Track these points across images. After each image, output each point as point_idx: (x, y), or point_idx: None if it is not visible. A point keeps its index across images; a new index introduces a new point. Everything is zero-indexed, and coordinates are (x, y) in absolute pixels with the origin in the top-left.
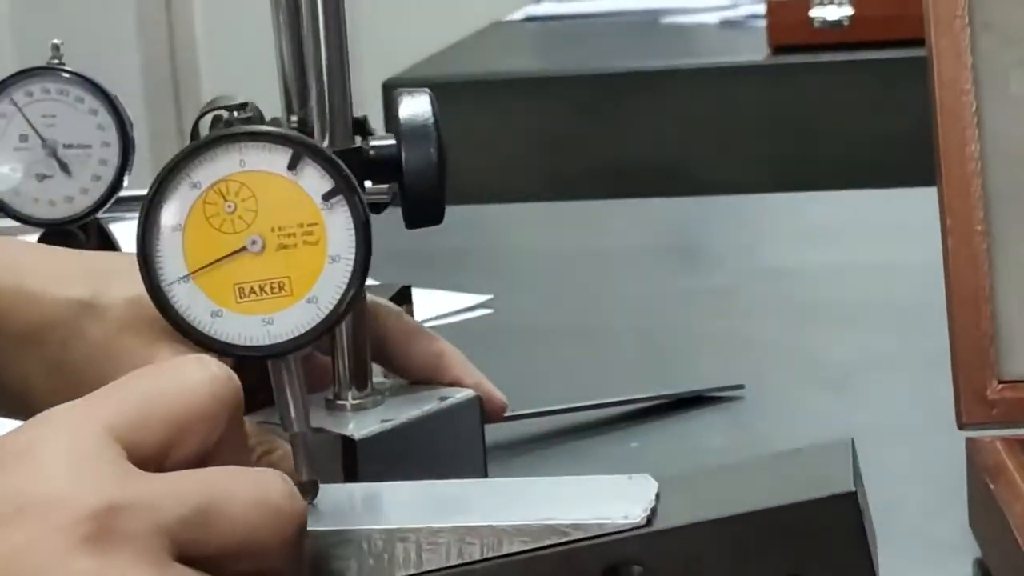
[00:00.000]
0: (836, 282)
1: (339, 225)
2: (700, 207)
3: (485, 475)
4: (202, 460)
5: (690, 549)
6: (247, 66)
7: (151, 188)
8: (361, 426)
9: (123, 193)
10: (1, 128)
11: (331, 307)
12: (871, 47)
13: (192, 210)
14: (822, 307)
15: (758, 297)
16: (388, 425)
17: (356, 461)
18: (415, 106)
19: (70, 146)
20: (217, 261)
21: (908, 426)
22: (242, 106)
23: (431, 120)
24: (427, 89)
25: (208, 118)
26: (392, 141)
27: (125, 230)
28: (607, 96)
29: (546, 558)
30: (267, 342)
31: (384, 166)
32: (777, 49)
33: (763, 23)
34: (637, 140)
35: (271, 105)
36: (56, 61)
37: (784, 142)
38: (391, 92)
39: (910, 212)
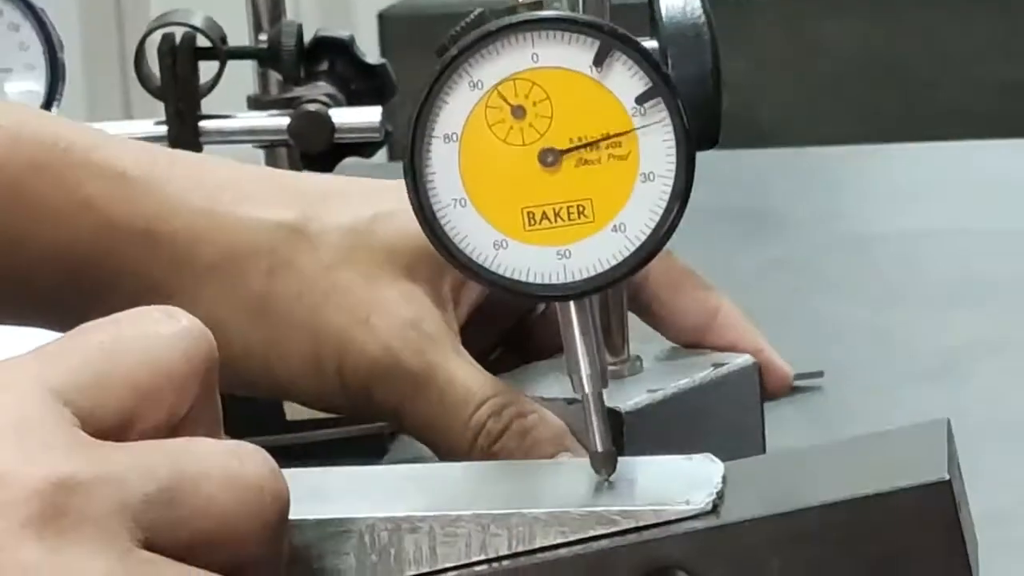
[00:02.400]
0: (936, 252)
1: (655, 135)
2: (771, 161)
3: None
4: (169, 432)
5: (751, 550)
6: None
7: (422, 90)
8: (625, 396)
9: None
10: None
11: (643, 237)
12: None
13: (472, 116)
14: (919, 282)
15: (841, 269)
16: (657, 396)
17: (622, 437)
18: (682, 1)
19: None
20: (503, 180)
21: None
22: None
23: (702, 18)
24: None
25: (156, 37)
26: (654, 44)
27: None
28: None
29: (568, 562)
30: (563, 279)
31: None
32: None
33: None
34: None
35: (232, 23)
36: None
37: (879, 87)
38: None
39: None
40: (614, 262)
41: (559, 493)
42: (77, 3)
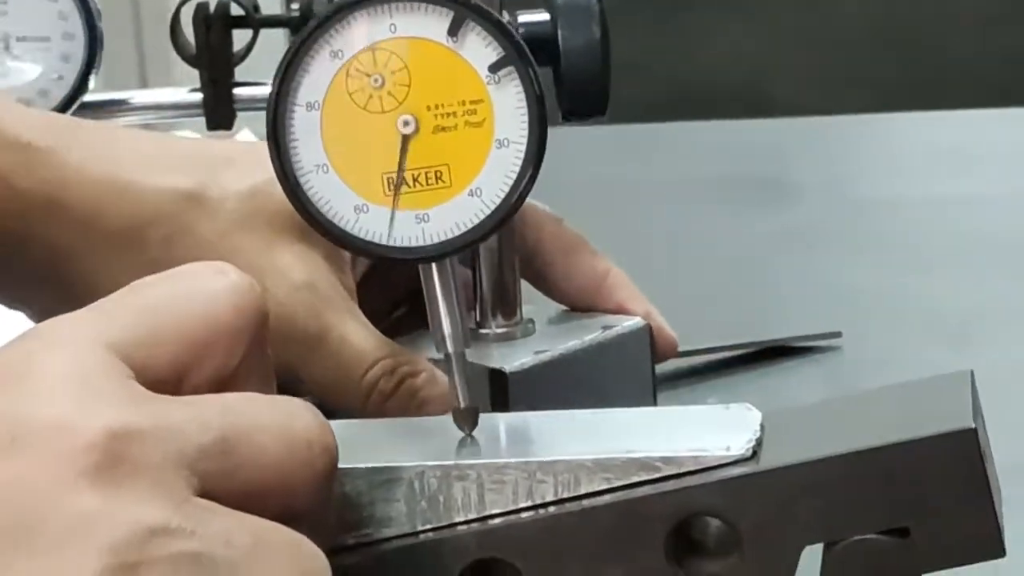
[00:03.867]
0: (948, 217)
1: (508, 103)
2: (784, 130)
3: None
4: (221, 385)
5: (784, 496)
6: None
7: (283, 59)
8: (511, 358)
9: (88, 97)
10: None
11: (498, 201)
12: None
13: (332, 85)
14: (933, 245)
15: (856, 235)
16: (544, 357)
17: (507, 398)
18: None
19: (25, 39)
20: (364, 146)
21: None
22: None
23: None
24: None
25: (192, 6)
26: (546, 16)
27: None
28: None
29: (605, 509)
30: (421, 242)
31: (536, 47)
32: None
33: None
34: (708, 54)
35: None
36: None
37: (888, 57)
38: None
39: None
40: (470, 225)
41: (603, 439)
42: None
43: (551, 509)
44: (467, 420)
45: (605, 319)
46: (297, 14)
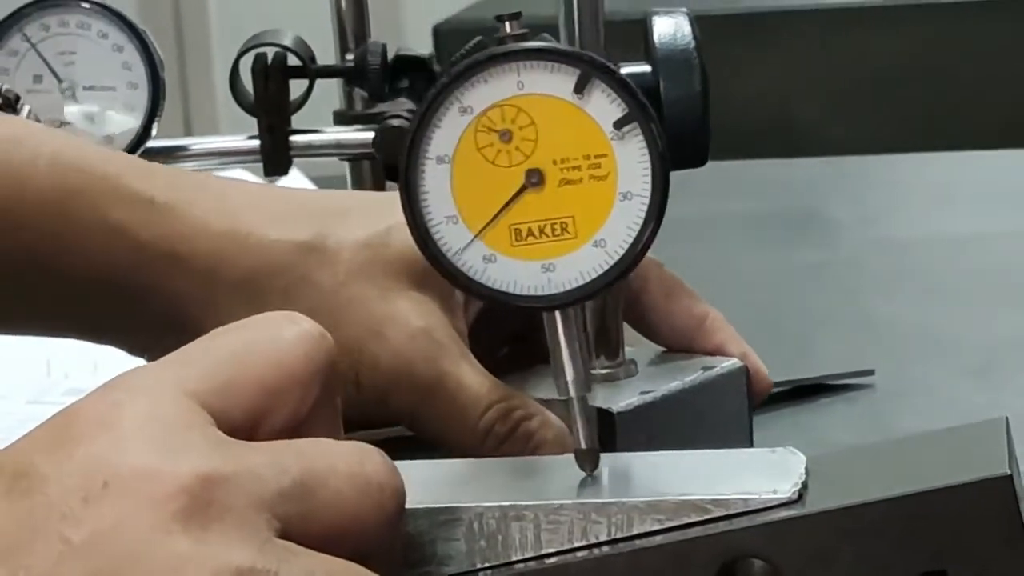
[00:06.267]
0: (976, 253)
1: (632, 157)
2: (811, 169)
3: None
4: (293, 430)
5: (828, 539)
6: None
7: (416, 115)
8: (617, 398)
9: (151, 144)
10: (12, 67)
11: (622, 252)
12: None
13: (462, 139)
14: (961, 281)
15: (885, 271)
16: (648, 397)
17: (615, 437)
18: (673, 28)
19: (91, 88)
20: (492, 199)
21: None
22: (515, 15)
23: (692, 44)
24: (685, 9)
25: (250, 56)
26: (648, 69)
27: None
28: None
29: (653, 552)
30: (547, 291)
31: None
32: None
33: None
34: (735, 94)
35: (319, 43)
36: None
37: (914, 95)
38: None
39: None
40: (595, 275)
41: (654, 482)
42: (137, 20)
43: (604, 549)
44: (589, 461)
45: (704, 360)
46: (352, 64)
